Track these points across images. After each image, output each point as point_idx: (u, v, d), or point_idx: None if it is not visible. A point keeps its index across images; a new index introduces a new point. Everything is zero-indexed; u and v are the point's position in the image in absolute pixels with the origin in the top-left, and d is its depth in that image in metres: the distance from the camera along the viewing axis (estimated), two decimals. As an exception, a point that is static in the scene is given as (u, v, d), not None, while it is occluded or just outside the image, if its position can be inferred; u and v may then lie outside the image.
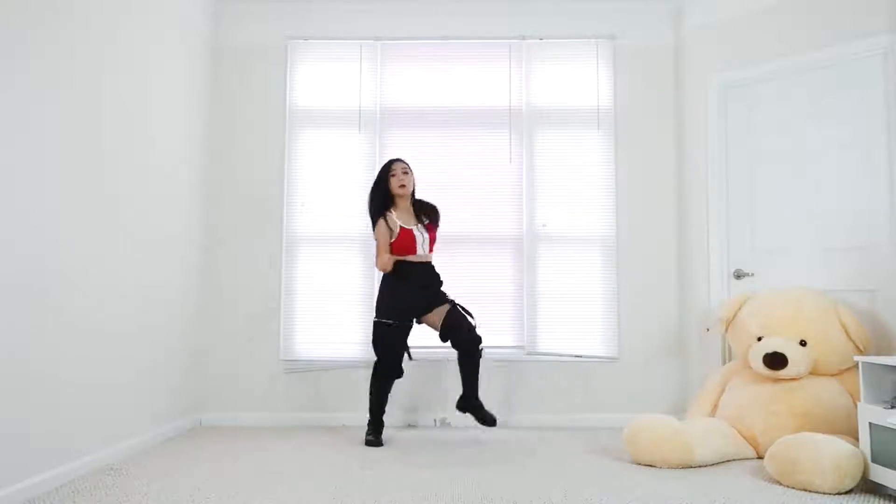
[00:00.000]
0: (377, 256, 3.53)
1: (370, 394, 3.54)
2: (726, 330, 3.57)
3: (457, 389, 4.04)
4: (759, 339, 3.29)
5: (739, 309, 3.50)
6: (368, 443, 3.43)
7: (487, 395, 3.86)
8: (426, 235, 3.56)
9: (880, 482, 2.50)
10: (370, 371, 4.11)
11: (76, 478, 2.71)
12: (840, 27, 3.47)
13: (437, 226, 3.67)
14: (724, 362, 3.81)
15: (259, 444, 3.44)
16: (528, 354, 4.12)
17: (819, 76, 3.56)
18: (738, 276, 3.80)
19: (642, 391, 4.08)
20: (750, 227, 3.79)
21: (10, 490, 2.33)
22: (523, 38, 4.29)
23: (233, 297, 4.16)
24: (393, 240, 3.50)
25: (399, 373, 3.53)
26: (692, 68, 4.11)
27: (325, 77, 4.31)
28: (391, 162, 3.65)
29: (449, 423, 4.05)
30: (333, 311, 4.15)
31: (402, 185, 3.57)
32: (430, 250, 3.60)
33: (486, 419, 3.46)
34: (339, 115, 4.28)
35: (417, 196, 3.73)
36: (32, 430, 2.48)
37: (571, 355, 4.12)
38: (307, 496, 2.48)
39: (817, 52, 3.54)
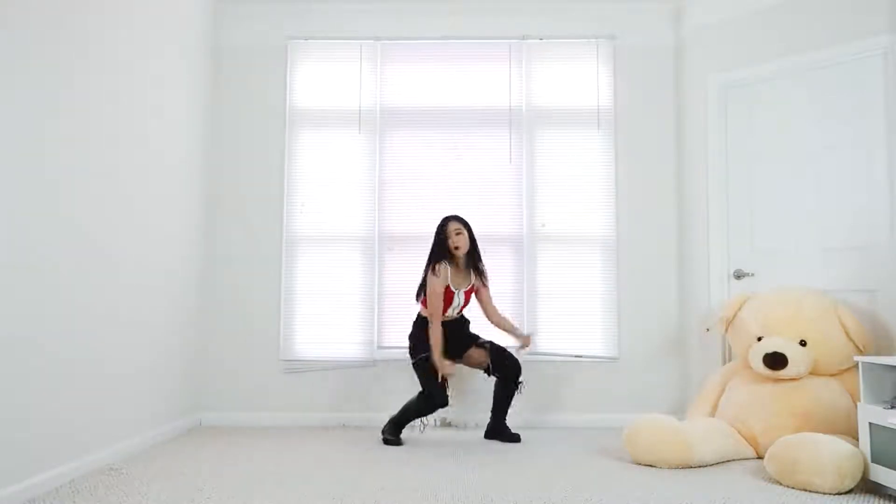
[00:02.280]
0: (429, 303, 3.58)
1: (409, 408, 3.56)
2: (726, 330, 3.57)
3: (458, 389, 4.05)
4: (759, 339, 3.29)
5: (739, 309, 3.50)
6: (387, 441, 3.49)
7: (488, 395, 3.85)
8: (462, 299, 3.67)
9: (880, 482, 2.50)
10: (370, 371, 4.13)
11: (76, 478, 2.71)
12: (840, 27, 3.47)
13: (484, 284, 3.76)
14: (724, 362, 3.81)
15: (259, 444, 3.44)
16: (528, 354, 4.11)
17: (819, 76, 3.56)
18: (738, 276, 3.80)
19: (642, 391, 4.08)
20: (750, 227, 3.79)
21: (10, 490, 2.33)
22: (523, 38, 4.29)
23: (233, 297, 4.16)
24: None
25: (445, 402, 3.54)
26: (692, 68, 4.11)
27: (325, 77, 4.31)
28: (446, 221, 3.69)
29: (449, 424, 4.05)
30: (333, 311, 4.15)
31: (457, 248, 3.64)
32: (462, 309, 3.73)
33: (512, 439, 3.58)
34: (339, 115, 4.28)
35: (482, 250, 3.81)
36: (33, 429, 2.48)
37: (571, 355, 4.12)
38: (307, 496, 2.47)
39: (817, 52, 3.54)
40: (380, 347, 4.15)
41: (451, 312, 3.67)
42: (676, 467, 2.92)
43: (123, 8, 3.14)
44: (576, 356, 4.12)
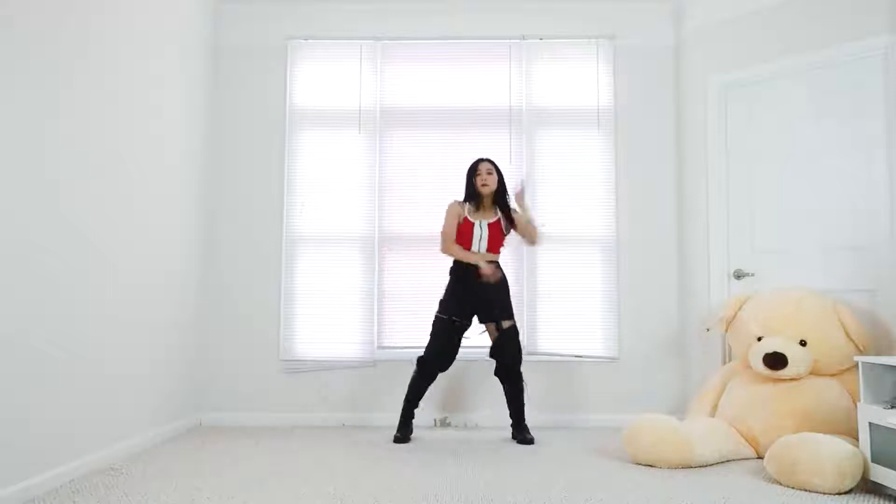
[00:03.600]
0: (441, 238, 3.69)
1: (408, 388, 3.63)
2: (726, 330, 3.57)
3: (458, 389, 4.06)
4: (759, 339, 3.29)
5: (739, 309, 3.50)
6: (396, 440, 3.51)
7: (487, 395, 3.86)
8: (485, 232, 3.61)
9: (880, 482, 2.50)
10: (370, 371, 4.13)
11: (76, 478, 2.71)
12: (840, 27, 3.47)
13: (513, 225, 3.67)
14: (724, 362, 3.81)
15: (259, 445, 3.44)
16: (528, 354, 4.11)
17: (819, 76, 3.56)
18: (738, 276, 3.80)
19: (642, 391, 4.08)
20: (750, 227, 3.79)
21: (10, 490, 2.33)
22: (523, 38, 4.29)
23: (233, 297, 4.16)
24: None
25: (440, 367, 3.60)
26: (692, 68, 4.11)
27: (325, 77, 4.31)
28: (478, 161, 3.70)
29: (449, 424, 4.06)
30: (333, 311, 4.15)
31: (485, 185, 3.63)
32: (492, 249, 3.64)
33: (523, 441, 3.54)
34: (339, 115, 4.28)
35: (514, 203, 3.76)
36: (32, 429, 2.48)
37: (571, 355, 4.12)
38: (307, 496, 2.48)
39: (817, 52, 3.54)
40: (380, 347, 4.15)
41: (476, 246, 3.61)
42: (676, 467, 2.92)
43: (123, 8, 3.14)
44: (576, 356, 4.12)
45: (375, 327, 4.16)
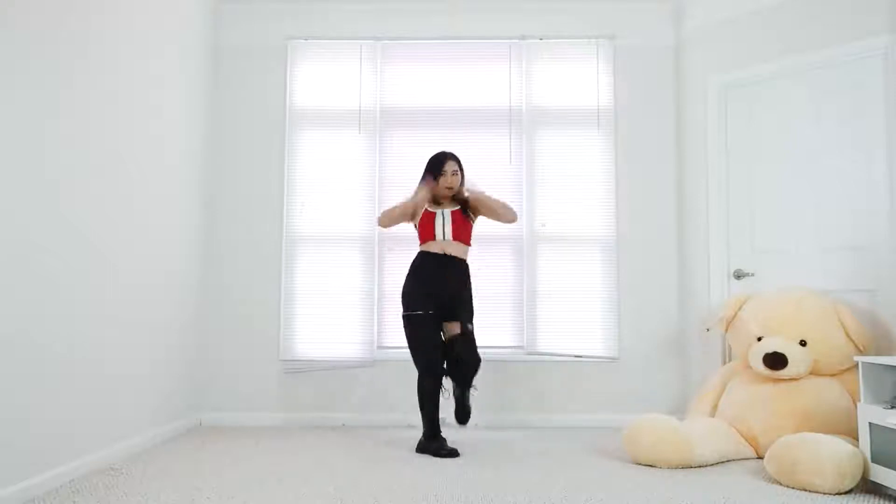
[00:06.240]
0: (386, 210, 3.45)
1: (419, 399, 3.31)
2: (726, 330, 3.57)
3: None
4: (759, 339, 3.29)
5: (739, 309, 3.50)
6: (444, 454, 3.17)
7: (487, 394, 3.86)
8: (448, 219, 3.37)
9: (880, 482, 2.50)
10: (370, 371, 4.12)
11: (76, 478, 2.71)
12: (840, 27, 3.47)
13: (475, 210, 3.46)
14: (724, 362, 3.81)
15: (259, 445, 3.44)
16: (528, 354, 4.12)
17: (819, 76, 3.56)
18: (738, 276, 3.80)
19: (642, 391, 4.08)
20: (750, 227, 3.79)
21: (11, 490, 2.33)
22: (523, 37, 4.29)
23: (233, 297, 4.16)
24: (416, 221, 3.43)
25: (441, 371, 3.29)
26: (692, 68, 4.11)
27: (325, 77, 4.31)
28: (445, 159, 3.43)
29: (449, 424, 4.05)
30: (333, 311, 4.15)
31: (449, 187, 3.39)
32: (458, 237, 3.38)
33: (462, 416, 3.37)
34: (339, 115, 4.28)
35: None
36: (33, 430, 2.48)
37: (571, 355, 4.12)
38: (307, 496, 2.48)
39: (817, 53, 3.54)
40: (380, 347, 4.15)
41: (440, 234, 3.35)
42: (676, 467, 2.92)
43: (123, 8, 3.14)
44: (576, 356, 4.12)
45: (375, 327, 4.16)
